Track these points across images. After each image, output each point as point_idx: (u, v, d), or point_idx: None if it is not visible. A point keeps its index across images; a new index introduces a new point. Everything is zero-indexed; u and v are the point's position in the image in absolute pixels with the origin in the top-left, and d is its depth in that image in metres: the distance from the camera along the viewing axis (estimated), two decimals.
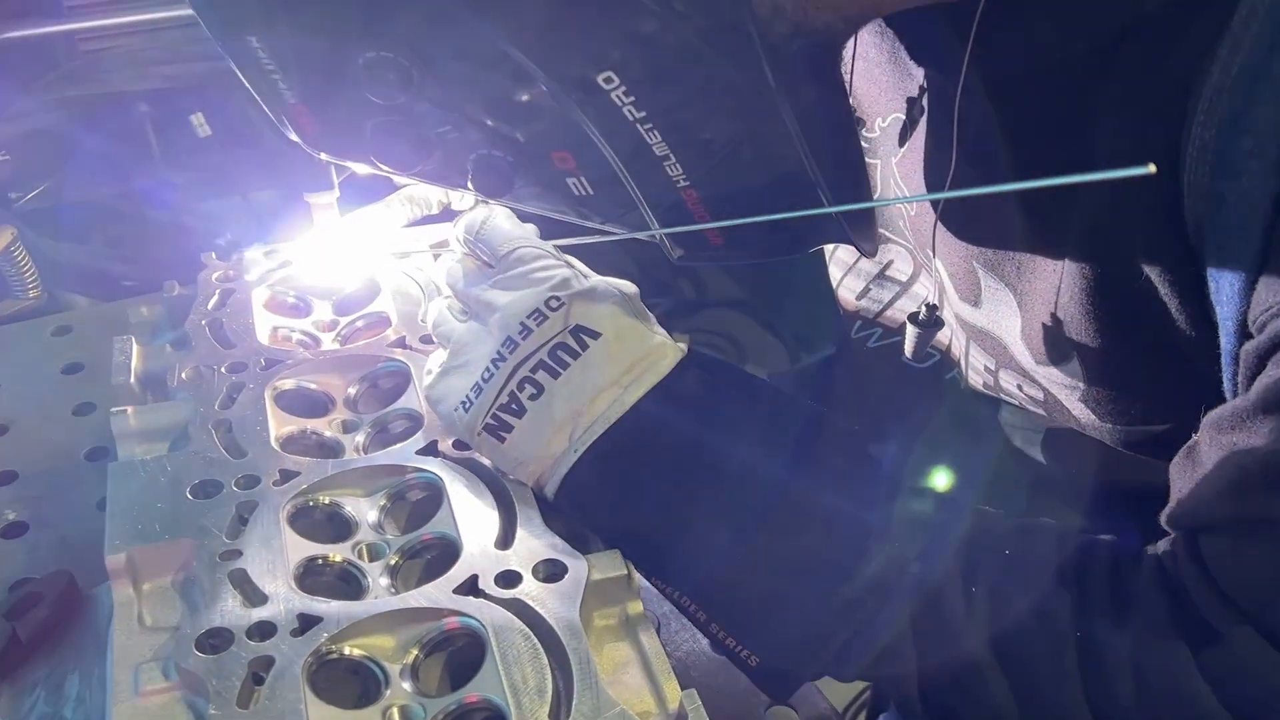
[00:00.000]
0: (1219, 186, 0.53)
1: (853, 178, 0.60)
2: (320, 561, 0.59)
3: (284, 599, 0.54)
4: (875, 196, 0.77)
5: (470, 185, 0.62)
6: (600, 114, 0.54)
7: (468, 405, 0.61)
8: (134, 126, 1.20)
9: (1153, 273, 0.59)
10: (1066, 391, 0.68)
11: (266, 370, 0.72)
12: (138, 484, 0.61)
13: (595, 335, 0.60)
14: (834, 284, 0.87)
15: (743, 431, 0.60)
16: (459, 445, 0.65)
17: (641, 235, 0.63)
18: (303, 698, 0.49)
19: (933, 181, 0.70)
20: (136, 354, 0.74)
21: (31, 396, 0.82)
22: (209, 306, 0.79)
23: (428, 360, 0.68)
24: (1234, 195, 0.52)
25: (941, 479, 0.76)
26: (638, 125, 0.54)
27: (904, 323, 0.73)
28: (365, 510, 0.62)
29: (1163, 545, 0.58)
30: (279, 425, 0.68)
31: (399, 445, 0.66)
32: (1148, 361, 0.63)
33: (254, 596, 0.55)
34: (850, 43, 0.71)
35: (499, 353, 0.60)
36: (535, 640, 0.52)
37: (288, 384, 0.72)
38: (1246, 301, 0.53)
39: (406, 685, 0.52)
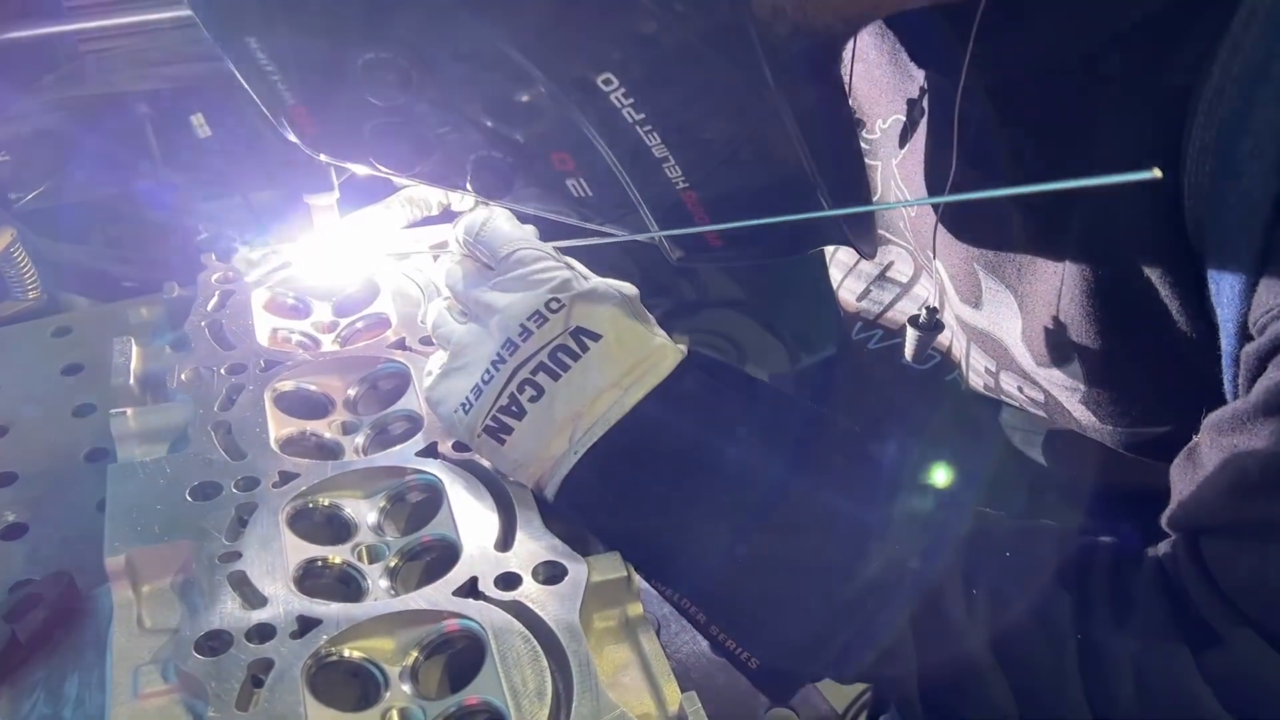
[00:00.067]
0: (1219, 188, 0.53)
1: (852, 179, 0.60)
2: (320, 563, 0.58)
3: (283, 601, 0.54)
4: (875, 198, 0.77)
5: (470, 186, 0.61)
6: (599, 115, 0.54)
7: (468, 407, 0.61)
8: (134, 127, 1.20)
9: (1153, 274, 0.59)
10: (1067, 393, 0.68)
11: (266, 372, 0.72)
12: (137, 485, 0.61)
13: (596, 337, 0.60)
14: (835, 285, 0.87)
15: (743, 433, 0.59)
16: (459, 447, 0.65)
17: (641, 237, 0.63)
18: (302, 700, 0.49)
19: (933, 183, 0.70)
20: (136, 355, 0.74)
21: (31, 397, 0.82)
22: (209, 308, 0.79)
23: (428, 362, 0.68)
24: (1234, 196, 0.52)
25: (941, 475, 0.76)
26: (637, 126, 0.54)
27: (905, 324, 0.73)
28: (365, 512, 0.62)
29: (1163, 547, 0.58)
30: (278, 427, 0.68)
31: (399, 447, 0.66)
32: (1148, 363, 0.63)
33: (253, 598, 0.55)
34: (850, 44, 0.71)
35: (499, 354, 0.60)
36: (535, 642, 0.52)
37: (287, 385, 0.72)
38: (1247, 303, 0.53)
39: (406, 687, 0.52)
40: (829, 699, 0.75)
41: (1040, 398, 0.72)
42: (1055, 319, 0.65)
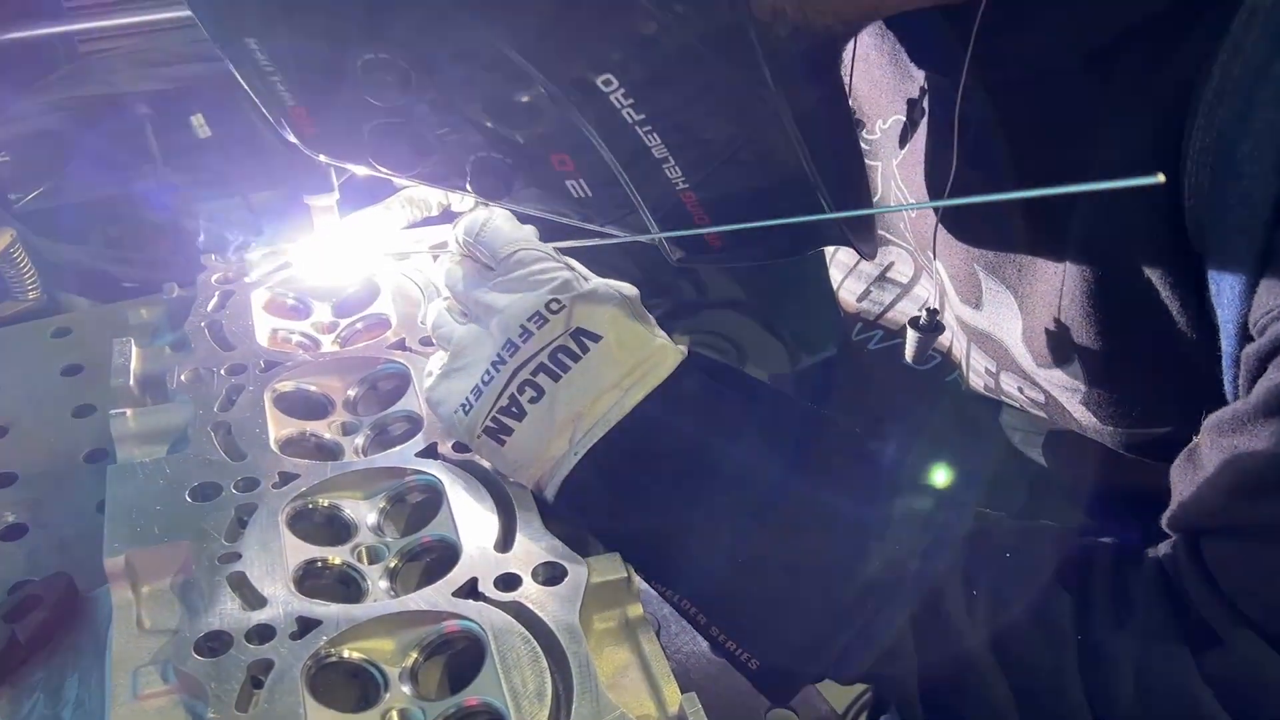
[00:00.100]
0: (1220, 188, 0.53)
1: (852, 180, 0.60)
2: (319, 564, 0.58)
3: (283, 602, 0.54)
4: (875, 199, 0.77)
5: (469, 187, 0.61)
6: (599, 116, 0.54)
7: (468, 408, 0.61)
8: (134, 128, 1.20)
9: (1154, 275, 0.59)
10: (1067, 394, 0.68)
11: (266, 372, 0.72)
12: (136, 486, 0.61)
13: (596, 338, 0.59)
14: (835, 286, 0.87)
15: (743, 434, 0.59)
16: (459, 447, 0.65)
17: (641, 238, 0.63)
18: (302, 701, 0.49)
19: (933, 184, 0.70)
20: (136, 356, 0.74)
21: (31, 398, 0.82)
22: (208, 308, 0.78)
23: (428, 362, 0.68)
24: (1235, 197, 0.52)
25: (941, 475, 0.76)
26: (637, 128, 0.54)
27: (905, 325, 0.73)
28: (365, 513, 0.62)
29: (1164, 548, 0.58)
30: (278, 427, 0.68)
31: (398, 447, 0.66)
32: (1149, 364, 0.63)
33: (253, 599, 0.55)
34: (850, 44, 0.71)
35: (499, 355, 0.60)
36: (535, 643, 0.52)
37: (287, 386, 0.72)
38: (1247, 304, 0.53)
39: (406, 688, 0.52)
40: (829, 700, 0.75)
41: (1040, 398, 0.72)
42: (1055, 319, 0.65)
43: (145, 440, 0.67)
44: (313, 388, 0.73)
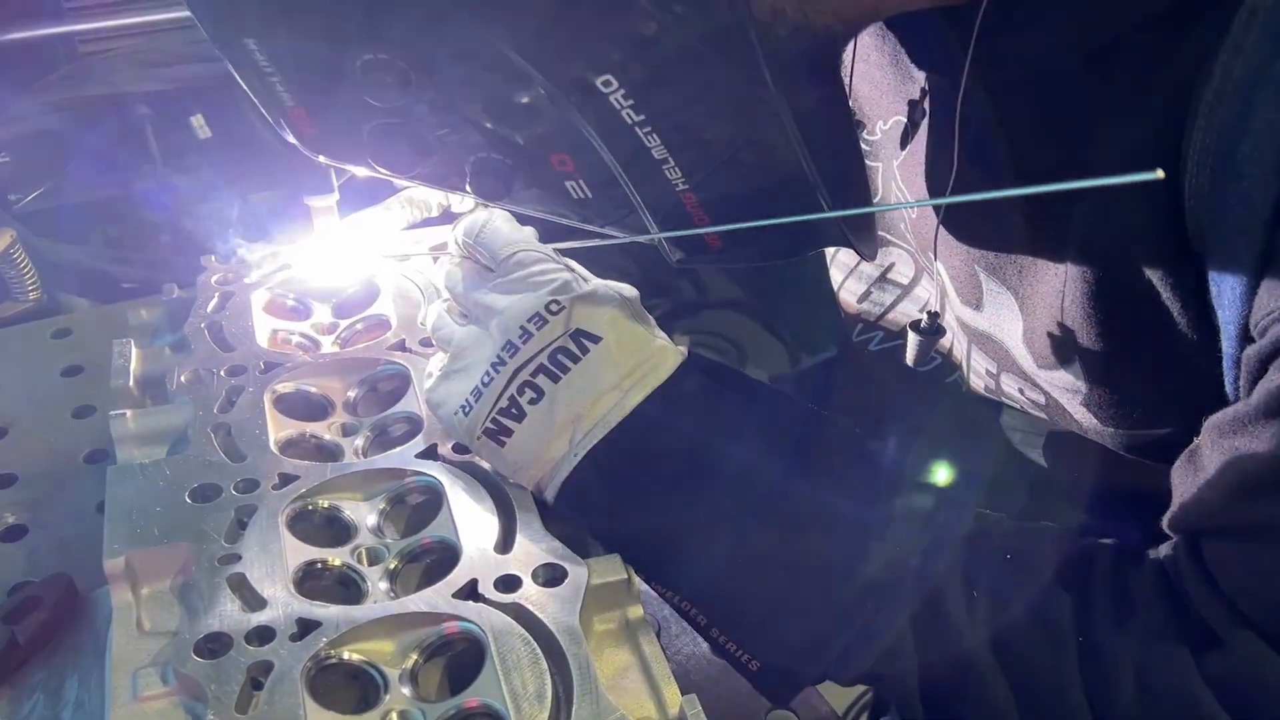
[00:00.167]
0: (1220, 189, 0.53)
1: (852, 181, 0.60)
2: (319, 566, 0.58)
3: (283, 603, 0.54)
4: (876, 199, 0.77)
5: (469, 188, 0.61)
6: (599, 117, 0.54)
7: (467, 409, 0.61)
8: (134, 128, 1.20)
9: (1154, 276, 0.59)
10: (1068, 395, 0.68)
11: (266, 373, 0.72)
12: (136, 487, 0.61)
13: (596, 339, 0.59)
14: (835, 287, 0.87)
15: (743, 435, 0.59)
16: (459, 449, 0.65)
17: (641, 238, 0.63)
18: (302, 703, 0.49)
19: (934, 184, 0.70)
20: (136, 357, 0.74)
21: (31, 399, 0.82)
22: (208, 309, 0.78)
23: (428, 363, 0.68)
24: (1235, 198, 0.52)
25: (942, 474, 0.76)
26: (636, 128, 0.54)
27: (905, 327, 0.73)
28: (364, 514, 0.62)
29: (1164, 549, 0.58)
30: (278, 429, 0.68)
31: (398, 449, 0.66)
32: (1149, 365, 0.63)
33: (253, 601, 0.54)
34: (851, 45, 0.71)
35: (499, 357, 0.60)
36: (535, 645, 0.52)
37: (287, 387, 0.72)
38: (1248, 305, 0.53)
39: (406, 690, 0.52)
40: (829, 701, 0.75)
41: (1041, 399, 0.72)
42: (1056, 321, 0.65)
43: (145, 441, 0.67)
44: (313, 389, 0.73)
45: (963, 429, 0.84)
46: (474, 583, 0.55)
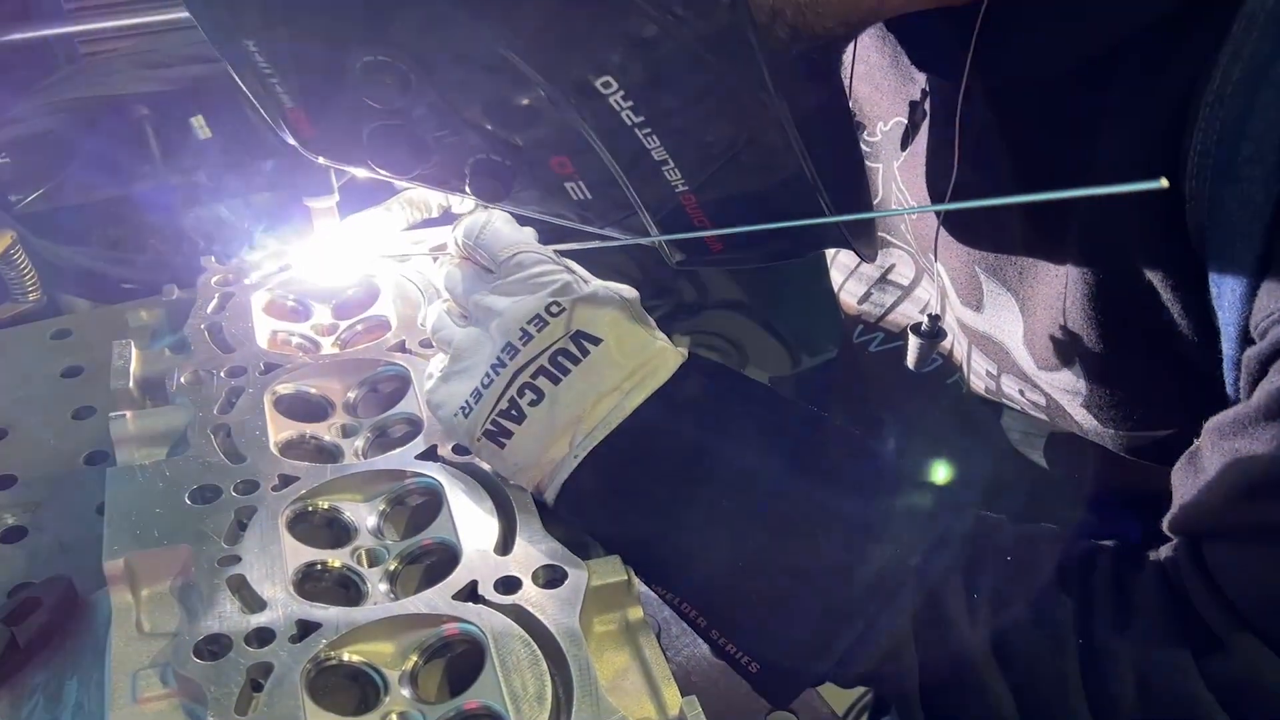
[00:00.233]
0: (1220, 192, 0.53)
1: (852, 183, 0.60)
2: (319, 567, 0.58)
3: (283, 605, 0.54)
4: (876, 201, 0.77)
5: (469, 190, 0.61)
6: (598, 119, 0.54)
7: (467, 410, 0.61)
8: (134, 129, 1.20)
9: (1155, 278, 0.59)
10: (1068, 397, 0.68)
11: (266, 374, 0.71)
12: (136, 489, 0.61)
13: (596, 341, 0.59)
14: (836, 288, 0.87)
15: (743, 437, 0.59)
16: (459, 450, 0.65)
17: (641, 240, 0.63)
18: (301, 704, 0.49)
19: (934, 186, 0.70)
20: (136, 358, 0.74)
21: (31, 400, 0.82)
22: (208, 310, 0.78)
23: (428, 365, 0.68)
24: (1235, 200, 0.52)
25: (941, 474, 0.76)
26: (636, 130, 0.54)
27: (906, 328, 0.72)
28: (364, 515, 0.62)
29: (1165, 551, 0.58)
30: (278, 430, 0.68)
31: (398, 450, 0.66)
32: (1150, 367, 0.63)
33: (253, 602, 0.54)
34: (851, 47, 0.71)
35: (499, 358, 0.60)
36: (535, 646, 0.52)
37: (287, 388, 0.72)
38: (1248, 307, 0.53)
39: (405, 692, 0.52)
40: (829, 702, 0.75)
41: (1041, 401, 0.72)
42: (1057, 322, 0.65)
43: (145, 443, 0.67)
44: (312, 390, 0.73)
45: (963, 430, 0.83)
46: (474, 584, 0.55)
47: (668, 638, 0.77)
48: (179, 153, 1.22)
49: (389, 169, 0.62)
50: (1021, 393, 0.73)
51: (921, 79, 0.70)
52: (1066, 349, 0.65)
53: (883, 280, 0.83)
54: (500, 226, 0.66)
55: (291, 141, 0.63)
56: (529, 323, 0.60)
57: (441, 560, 0.59)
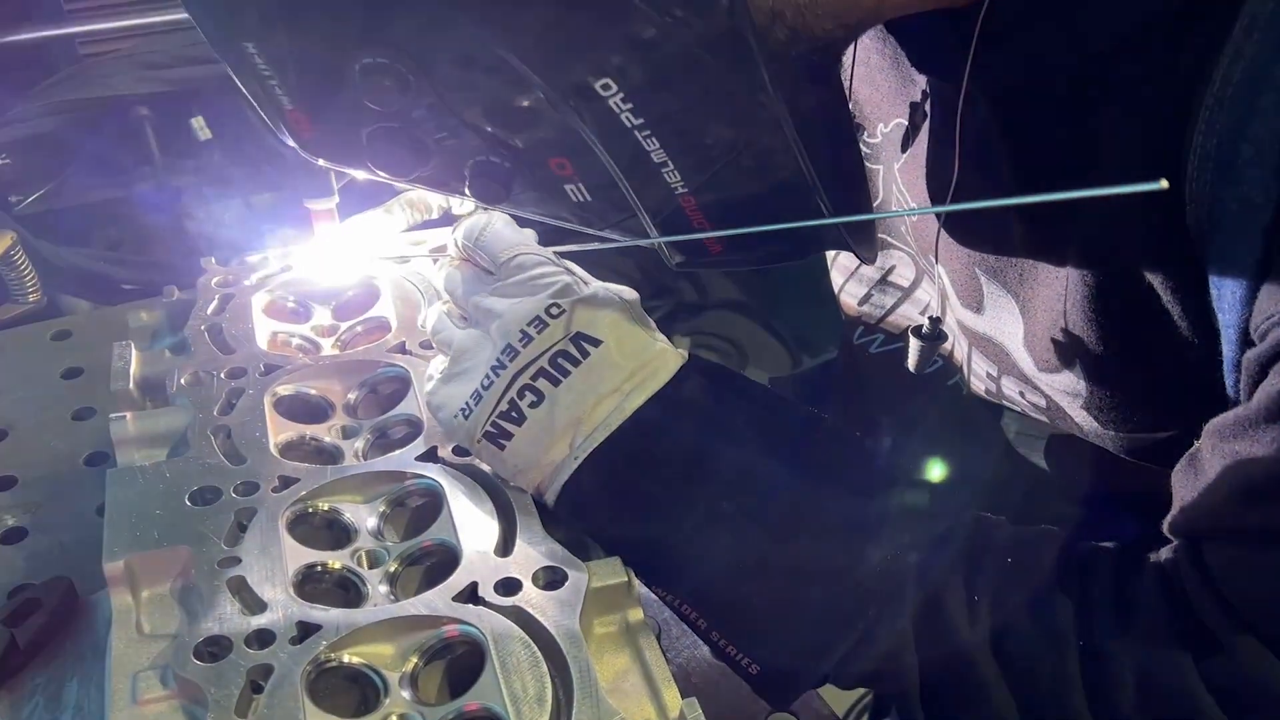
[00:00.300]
0: (1220, 194, 0.53)
1: (852, 185, 0.60)
2: (319, 569, 0.58)
3: (283, 606, 0.54)
4: (876, 202, 0.77)
5: (468, 191, 0.61)
6: (597, 120, 0.54)
7: (468, 412, 0.61)
8: (134, 130, 1.20)
9: (1155, 280, 0.59)
10: (1069, 398, 0.68)
11: (266, 376, 0.72)
12: (136, 490, 0.61)
13: (596, 343, 0.59)
14: (836, 289, 0.87)
15: (743, 438, 0.59)
16: (459, 451, 0.65)
17: (641, 242, 0.63)
18: (301, 706, 0.49)
19: (935, 188, 0.70)
20: (136, 359, 0.74)
21: (31, 401, 0.82)
22: (208, 311, 0.78)
23: (428, 366, 0.68)
24: (1235, 203, 0.52)
25: (940, 473, 0.76)
26: (635, 132, 0.54)
27: (906, 330, 0.72)
28: (364, 517, 0.62)
29: (1165, 553, 0.58)
30: (278, 431, 0.68)
31: (398, 451, 0.66)
32: (1150, 368, 0.63)
33: (253, 604, 0.54)
34: (851, 48, 0.71)
35: (499, 360, 0.60)
36: (535, 648, 0.52)
37: (287, 389, 0.72)
38: (1248, 309, 0.53)
39: (405, 693, 0.52)
40: (829, 703, 0.75)
41: (1042, 403, 0.72)
42: (1057, 324, 0.65)
43: (145, 444, 0.67)
44: (313, 391, 0.73)
45: (963, 431, 0.83)
46: (474, 586, 0.55)
47: (668, 639, 0.77)
48: (179, 154, 1.22)
49: (388, 171, 0.62)
50: (1022, 394, 0.73)
51: (922, 81, 0.70)
52: (1067, 351, 0.65)
53: (883, 282, 0.82)
54: (500, 228, 0.66)
55: (291, 143, 0.63)
56: (529, 324, 0.60)
57: (442, 562, 0.59)
